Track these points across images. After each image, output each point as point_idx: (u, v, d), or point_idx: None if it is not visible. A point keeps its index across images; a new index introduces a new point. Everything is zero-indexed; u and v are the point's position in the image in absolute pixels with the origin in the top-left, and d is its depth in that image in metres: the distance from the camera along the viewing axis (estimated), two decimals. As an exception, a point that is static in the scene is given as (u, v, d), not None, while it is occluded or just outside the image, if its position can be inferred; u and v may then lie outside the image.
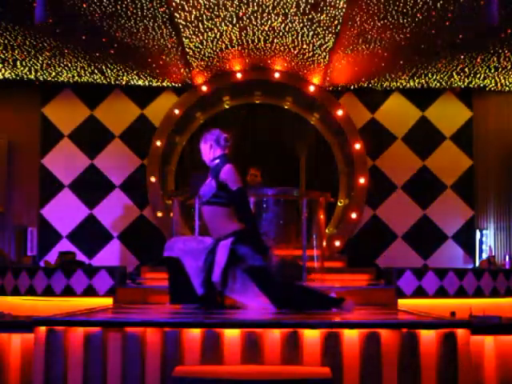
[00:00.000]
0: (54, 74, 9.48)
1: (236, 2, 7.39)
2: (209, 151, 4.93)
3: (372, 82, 9.85)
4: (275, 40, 8.55)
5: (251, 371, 3.16)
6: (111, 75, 9.60)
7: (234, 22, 7.91)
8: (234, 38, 8.44)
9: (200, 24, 7.94)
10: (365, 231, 10.11)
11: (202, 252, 4.67)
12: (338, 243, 9.77)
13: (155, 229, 9.87)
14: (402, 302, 5.77)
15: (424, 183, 10.23)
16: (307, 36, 8.33)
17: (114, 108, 10.28)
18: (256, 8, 7.55)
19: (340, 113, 10.03)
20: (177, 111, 10.04)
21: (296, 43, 8.63)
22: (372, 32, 7.98)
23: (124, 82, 9.96)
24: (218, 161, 4.84)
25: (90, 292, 5.92)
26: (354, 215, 9.91)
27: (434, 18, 7.51)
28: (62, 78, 9.74)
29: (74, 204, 10.09)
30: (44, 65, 9.07)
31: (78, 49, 8.47)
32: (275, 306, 4.50)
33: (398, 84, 9.96)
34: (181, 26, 7.94)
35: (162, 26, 7.88)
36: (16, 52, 8.55)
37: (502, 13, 7.05)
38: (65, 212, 10.05)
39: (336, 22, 7.82)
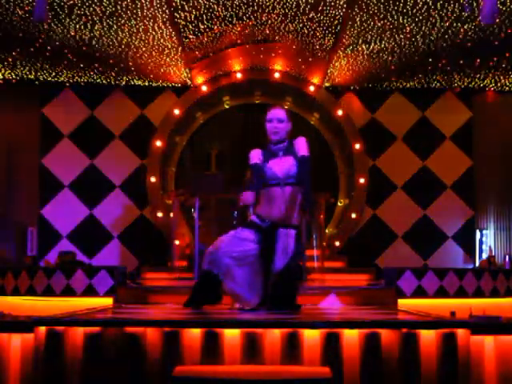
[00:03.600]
0: (54, 74, 9.48)
1: (236, 2, 7.40)
2: (285, 128, 4.87)
3: (372, 81, 9.85)
4: (275, 40, 8.56)
5: (251, 371, 3.16)
6: (111, 75, 9.60)
7: (234, 21, 7.92)
8: (234, 37, 8.45)
9: (200, 24, 7.94)
10: (365, 231, 10.10)
11: (250, 257, 4.54)
12: (337, 243, 9.76)
13: (155, 229, 9.86)
14: (402, 302, 5.76)
15: (424, 183, 10.22)
16: (307, 36, 8.34)
17: (114, 108, 10.27)
18: (256, 8, 7.56)
19: (340, 113, 10.03)
20: (177, 111, 10.03)
21: (296, 43, 8.63)
22: (372, 32, 7.98)
23: (124, 82, 9.97)
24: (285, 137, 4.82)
25: (90, 292, 5.92)
26: (353, 215, 9.91)
27: (434, 18, 7.52)
28: (61, 78, 9.75)
29: (74, 204, 10.09)
30: (44, 65, 9.07)
31: (78, 49, 8.47)
32: (268, 306, 4.45)
33: (398, 84, 9.96)
34: (181, 26, 7.94)
35: (162, 26, 7.88)
36: (16, 52, 8.55)
37: (500, 12, 7.08)
38: (65, 212, 10.05)
39: (336, 22, 7.82)
